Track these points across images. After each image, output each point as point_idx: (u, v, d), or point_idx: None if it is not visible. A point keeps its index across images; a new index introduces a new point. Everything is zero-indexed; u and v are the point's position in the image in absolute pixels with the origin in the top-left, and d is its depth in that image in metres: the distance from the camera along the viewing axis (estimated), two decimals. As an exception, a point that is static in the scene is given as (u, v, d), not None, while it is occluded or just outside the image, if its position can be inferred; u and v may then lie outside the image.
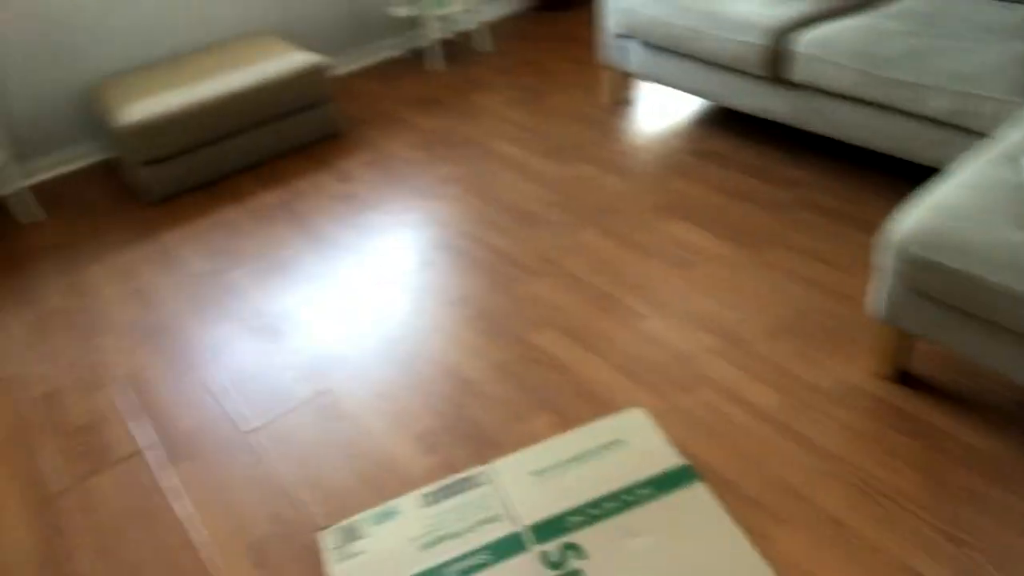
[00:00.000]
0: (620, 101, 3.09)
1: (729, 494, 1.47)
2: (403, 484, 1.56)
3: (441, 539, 1.43)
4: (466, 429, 1.67)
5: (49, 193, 2.90)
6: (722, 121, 2.85)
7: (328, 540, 1.45)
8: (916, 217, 1.46)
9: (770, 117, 2.47)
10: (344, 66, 3.71)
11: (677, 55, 2.65)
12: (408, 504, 1.52)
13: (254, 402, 1.80)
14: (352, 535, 1.46)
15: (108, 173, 3.01)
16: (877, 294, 1.59)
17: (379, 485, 1.56)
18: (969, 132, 1.96)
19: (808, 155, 2.55)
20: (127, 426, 1.78)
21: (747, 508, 1.43)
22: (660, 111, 2.99)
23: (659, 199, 2.41)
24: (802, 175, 2.44)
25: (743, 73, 2.46)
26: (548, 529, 1.41)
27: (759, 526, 1.40)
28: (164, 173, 2.69)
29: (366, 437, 1.68)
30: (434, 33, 3.64)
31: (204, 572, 1.42)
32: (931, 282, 1.43)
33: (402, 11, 3.55)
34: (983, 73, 1.91)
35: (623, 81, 3.06)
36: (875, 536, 1.36)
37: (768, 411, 1.63)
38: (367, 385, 1.82)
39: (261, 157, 2.91)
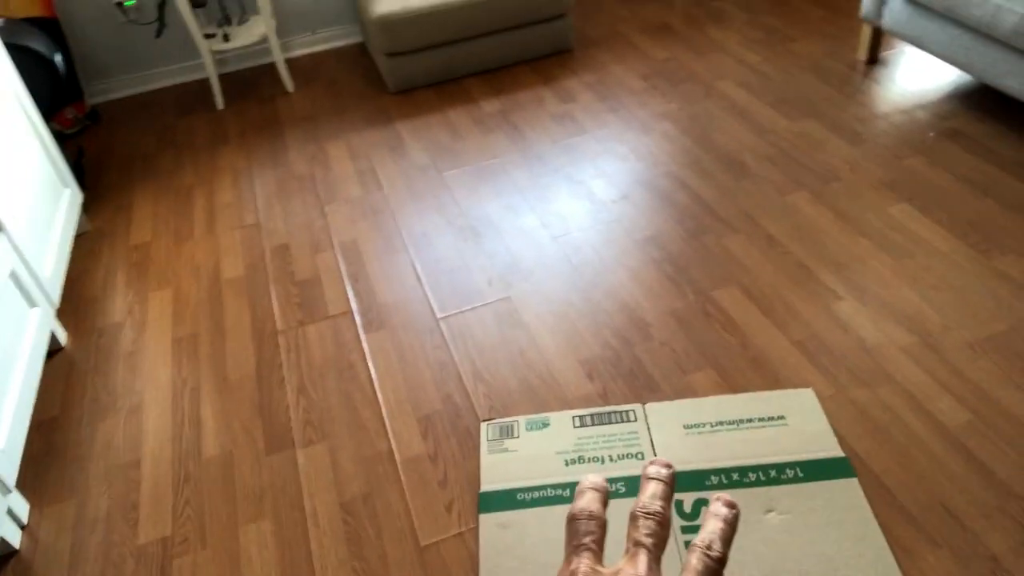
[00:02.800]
0: (871, 60, 2.82)
1: (882, 501, 1.42)
2: (560, 401, 1.68)
3: (584, 459, 1.53)
4: (629, 366, 1.74)
5: (304, 68, 3.23)
6: (981, 101, 2.52)
7: (486, 431, 1.62)
8: None
9: (1048, 107, 2.16)
10: (586, -20, 3.68)
11: (944, 18, 2.36)
12: (561, 420, 1.63)
13: (447, 293, 1.99)
14: (507, 433, 1.60)
15: (357, 58, 3.29)
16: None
17: (539, 396, 1.69)
18: None
19: (1085, 157, 2.21)
20: (340, 288, 2.04)
21: (898, 520, 1.39)
22: (913, 78, 2.70)
23: (887, 174, 2.23)
24: (1069, 180, 2.13)
25: (1019, 51, 2.15)
26: (687, 481, 1.46)
27: (906, 541, 1.36)
28: (404, 66, 2.89)
29: (536, 350, 1.80)
30: (685, -44, 3.49)
31: (380, 426, 1.64)
32: None
33: (657, -71, 3.42)
34: None
35: (878, 38, 2.78)
36: (1036, 586, 1.28)
37: (951, 428, 1.53)
38: (547, 302, 1.93)
39: (492, 64, 3.02)
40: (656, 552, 0.35)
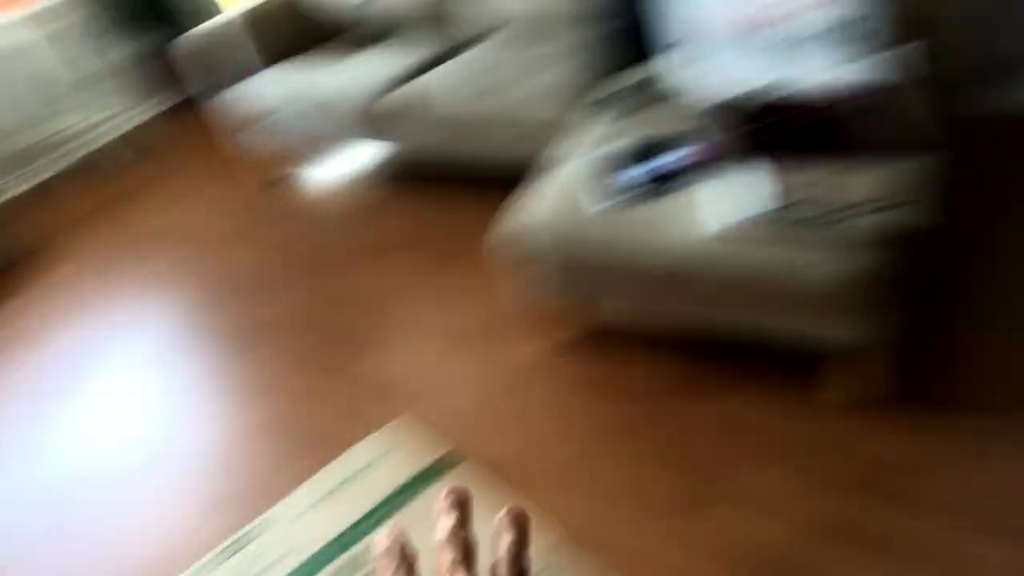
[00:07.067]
0: (271, 181, 3.18)
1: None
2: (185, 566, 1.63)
3: (246, 585, 1.52)
4: (224, 496, 1.80)
5: None
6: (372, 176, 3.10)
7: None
8: (517, 217, 1.87)
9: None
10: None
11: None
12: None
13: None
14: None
15: None
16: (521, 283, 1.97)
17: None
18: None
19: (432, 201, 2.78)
20: None
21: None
22: (315, 177, 3.19)
23: (320, 254, 2.66)
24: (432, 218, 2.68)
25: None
26: (345, 540, 1.58)
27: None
28: None
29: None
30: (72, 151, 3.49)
31: None
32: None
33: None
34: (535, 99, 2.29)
35: (268, 162, 3.19)
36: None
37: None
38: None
39: None
40: None
